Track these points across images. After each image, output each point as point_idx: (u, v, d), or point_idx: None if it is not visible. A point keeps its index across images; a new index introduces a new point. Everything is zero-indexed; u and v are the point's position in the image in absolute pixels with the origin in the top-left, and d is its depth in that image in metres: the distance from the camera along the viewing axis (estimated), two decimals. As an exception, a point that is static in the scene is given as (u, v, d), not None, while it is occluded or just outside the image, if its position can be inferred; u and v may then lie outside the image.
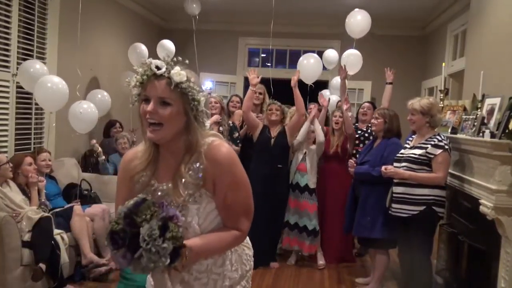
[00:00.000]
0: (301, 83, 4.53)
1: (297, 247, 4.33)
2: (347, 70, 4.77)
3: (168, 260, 1.20)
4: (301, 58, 5.04)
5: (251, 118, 4.26)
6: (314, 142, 4.30)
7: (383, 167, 3.31)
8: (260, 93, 4.60)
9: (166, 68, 1.34)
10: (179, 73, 1.34)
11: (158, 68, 1.33)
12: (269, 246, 4.32)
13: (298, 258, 4.46)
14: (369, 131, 4.44)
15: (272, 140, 4.23)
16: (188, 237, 1.34)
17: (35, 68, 3.95)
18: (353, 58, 5.08)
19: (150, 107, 1.33)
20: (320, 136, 4.25)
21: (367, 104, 4.69)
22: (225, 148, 1.42)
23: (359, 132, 4.55)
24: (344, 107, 4.32)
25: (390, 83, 4.53)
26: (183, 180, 1.38)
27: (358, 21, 5.01)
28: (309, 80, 4.94)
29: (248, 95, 4.21)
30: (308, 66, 4.87)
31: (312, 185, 4.24)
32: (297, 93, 4.15)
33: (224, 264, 1.50)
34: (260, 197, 4.13)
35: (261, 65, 7.58)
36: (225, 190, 1.39)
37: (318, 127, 4.27)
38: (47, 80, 3.85)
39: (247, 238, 1.62)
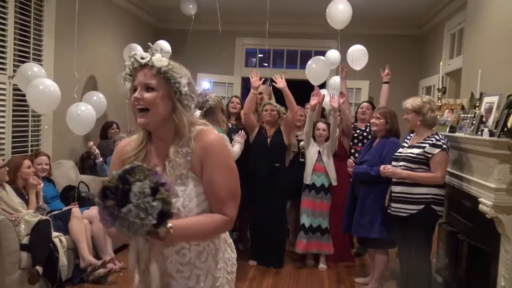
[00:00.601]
0: (307, 84, 4.59)
1: (316, 250, 4.29)
2: (346, 70, 4.80)
3: (154, 221, 1.22)
4: (309, 62, 5.09)
5: (251, 119, 4.31)
6: (326, 140, 4.25)
7: (381, 167, 3.31)
8: (260, 93, 4.62)
9: (149, 57, 1.44)
10: (159, 59, 1.43)
11: (142, 58, 1.44)
12: (274, 246, 4.33)
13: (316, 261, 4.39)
14: (367, 130, 4.44)
15: (269, 140, 4.28)
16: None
17: (33, 70, 3.93)
18: (358, 53, 5.09)
19: (136, 93, 1.45)
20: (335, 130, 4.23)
21: (366, 104, 4.69)
22: (214, 134, 1.48)
23: (357, 131, 4.55)
24: (341, 100, 4.31)
25: (387, 83, 4.55)
26: (171, 163, 1.44)
27: (340, 11, 4.97)
28: (316, 82, 4.97)
29: (249, 97, 4.27)
30: (317, 69, 4.89)
31: (334, 182, 4.19)
32: (287, 92, 4.20)
33: (207, 260, 1.51)
34: (259, 196, 4.21)
35: (258, 65, 7.57)
36: (212, 173, 1.43)
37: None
38: (39, 83, 3.82)
39: (230, 238, 1.65)
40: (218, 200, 1.45)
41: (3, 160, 3.91)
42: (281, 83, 4.18)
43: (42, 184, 3.80)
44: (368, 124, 4.39)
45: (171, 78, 1.44)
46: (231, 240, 1.68)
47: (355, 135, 4.53)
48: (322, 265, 4.29)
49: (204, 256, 1.50)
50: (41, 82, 3.83)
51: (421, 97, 3.32)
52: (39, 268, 3.16)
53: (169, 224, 1.30)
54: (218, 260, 1.54)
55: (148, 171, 1.29)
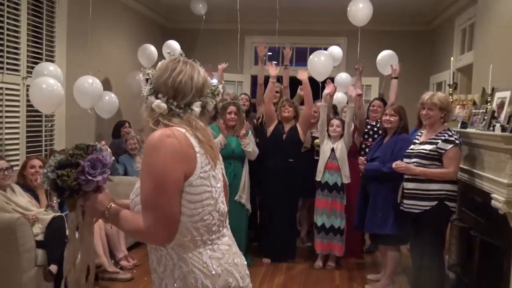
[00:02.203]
0: (311, 80, 4.60)
1: (329, 251, 4.25)
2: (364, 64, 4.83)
3: (48, 187, 1.43)
4: (311, 56, 5.06)
5: (272, 109, 4.41)
6: (341, 137, 4.22)
7: (394, 163, 3.30)
8: (276, 92, 4.70)
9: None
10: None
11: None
12: (285, 240, 4.37)
13: (325, 261, 4.32)
14: (378, 125, 4.45)
15: (284, 136, 4.35)
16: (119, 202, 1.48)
17: (49, 70, 3.99)
18: (388, 58, 5.09)
19: None
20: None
21: (377, 102, 4.65)
22: (157, 134, 1.34)
23: (368, 127, 4.55)
24: (355, 92, 4.24)
25: (396, 78, 4.54)
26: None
27: (360, 9, 5.02)
28: (320, 78, 4.96)
29: (269, 87, 4.39)
30: (319, 63, 4.89)
31: (346, 180, 4.14)
32: (306, 85, 4.30)
33: (165, 271, 1.41)
34: (272, 190, 4.27)
35: (267, 63, 7.55)
36: (141, 173, 1.37)
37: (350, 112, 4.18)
38: (42, 81, 3.83)
39: (206, 263, 1.38)
40: (141, 204, 1.35)
41: (17, 160, 3.99)
42: (303, 75, 4.30)
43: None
44: (379, 120, 4.38)
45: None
46: (216, 268, 1.40)
47: (366, 130, 4.53)
48: (330, 263, 4.26)
49: (162, 265, 1.42)
50: (44, 81, 3.83)
51: (441, 93, 3.29)
52: (53, 268, 3.20)
53: (108, 205, 1.42)
54: (176, 278, 1.39)
55: (89, 149, 1.45)
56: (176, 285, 1.39)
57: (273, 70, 4.41)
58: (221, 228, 1.46)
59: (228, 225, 1.53)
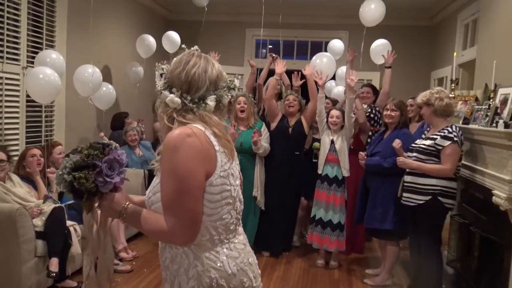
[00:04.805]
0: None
1: (326, 247, 4.12)
2: (356, 54, 4.75)
3: (65, 189, 1.37)
4: (314, 58, 5.02)
5: (274, 106, 4.41)
6: (341, 128, 4.13)
7: (397, 159, 3.31)
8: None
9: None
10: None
11: None
12: (283, 232, 4.39)
13: (327, 259, 4.24)
14: (372, 111, 4.46)
15: (290, 129, 4.36)
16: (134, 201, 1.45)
17: (51, 57, 3.95)
18: (382, 48, 5.06)
19: None
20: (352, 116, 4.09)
21: (366, 88, 4.62)
22: (176, 133, 1.30)
23: (372, 115, 4.53)
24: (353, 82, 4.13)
25: (389, 67, 4.51)
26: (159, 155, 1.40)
27: (372, 10, 4.98)
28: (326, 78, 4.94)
29: (272, 83, 4.36)
30: (322, 65, 4.85)
31: (346, 173, 4.09)
32: (311, 80, 4.27)
33: (179, 269, 1.39)
34: (277, 182, 4.30)
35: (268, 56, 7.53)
36: (161, 175, 1.33)
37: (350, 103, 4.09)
38: (38, 71, 3.79)
39: (223, 262, 1.38)
40: (163, 205, 1.32)
41: (17, 150, 3.98)
42: (307, 71, 4.28)
43: (55, 173, 3.83)
44: (373, 105, 4.47)
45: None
46: (231, 267, 1.39)
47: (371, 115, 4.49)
48: (332, 262, 4.19)
49: (176, 263, 1.40)
50: (41, 71, 3.79)
51: (428, 91, 3.29)
52: (54, 262, 3.20)
53: (125, 205, 1.39)
54: (190, 277, 1.37)
55: (105, 149, 1.39)
56: (189, 284, 1.37)
57: (280, 67, 4.40)
58: (237, 227, 1.46)
59: (241, 223, 1.52)
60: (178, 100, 1.36)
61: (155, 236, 1.38)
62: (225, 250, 1.39)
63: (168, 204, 1.30)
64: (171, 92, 1.38)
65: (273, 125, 4.43)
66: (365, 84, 4.90)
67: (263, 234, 4.45)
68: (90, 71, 4.34)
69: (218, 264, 1.37)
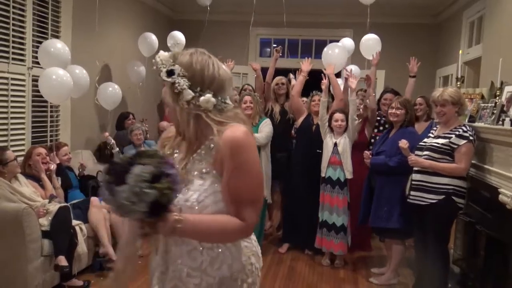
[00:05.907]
0: (318, 73, 4.59)
1: (332, 250, 4.15)
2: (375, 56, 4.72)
3: (145, 209, 1.14)
4: (325, 49, 4.99)
5: (299, 103, 4.57)
6: (345, 131, 4.15)
7: (408, 158, 3.26)
8: (282, 83, 4.81)
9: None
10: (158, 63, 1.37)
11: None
12: (307, 229, 4.39)
13: (332, 258, 4.25)
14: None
15: (314, 127, 4.42)
16: (183, 211, 1.30)
17: (56, 47, 3.95)
18: (371, 42, 5.04)
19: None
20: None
21: (389, 95, 4.53)
22: (240, 132, 1.33)
23: (378, 118, 4.54)
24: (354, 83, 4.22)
25: (413, 76, 4.48)
26: (195, 155, 1.37)
27: None
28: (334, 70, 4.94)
29: (299, 80, 4.55)
30: (333, 56, 4.84)
31: (349, 175, 4.08)
32: (333, 79, 4.39)
33: (221, 268, 1.38)
34: (299, 178, 4.39)
35: (272, 55, 7.52)
36: (230, 174, 1.31)
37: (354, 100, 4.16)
38: (52, 72, 3.83)
39: (256, 247, 1.49)
40: (235, 203, 1.32)
41: (23, 150, 4.00)
42: (330, 68, 4.42)
43: (54, 166, 3.82)
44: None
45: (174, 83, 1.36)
46: (258, 248, 1.51)
47: (377, 121, 4.51)
48: (337, 261, 4.19)
49: (217, 263, 1.37)
50: (54, 72, 3.84)
51: (451, 87, 3.25)
52: (61, 259, 3.22)
53: (177, 217, 1.22)
54: (234, 271, 1.39)
55: (161, 158, 1.21)
56: (233, 277, 1.41)
57: (305, 65, 4.52)
58: None
59: None
60: (213, 100, 1.35)
61: (229, 238, 1.37)
62: (252, 235, 1.49)
63: (252, 200, 1.34)
64: (194, 92, 1.34)
65: (298, 122, 4.58)
66: (387, 90, 4.80)
67: (286, 228, 4.63)
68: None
69: (254, 249, 1.49)
